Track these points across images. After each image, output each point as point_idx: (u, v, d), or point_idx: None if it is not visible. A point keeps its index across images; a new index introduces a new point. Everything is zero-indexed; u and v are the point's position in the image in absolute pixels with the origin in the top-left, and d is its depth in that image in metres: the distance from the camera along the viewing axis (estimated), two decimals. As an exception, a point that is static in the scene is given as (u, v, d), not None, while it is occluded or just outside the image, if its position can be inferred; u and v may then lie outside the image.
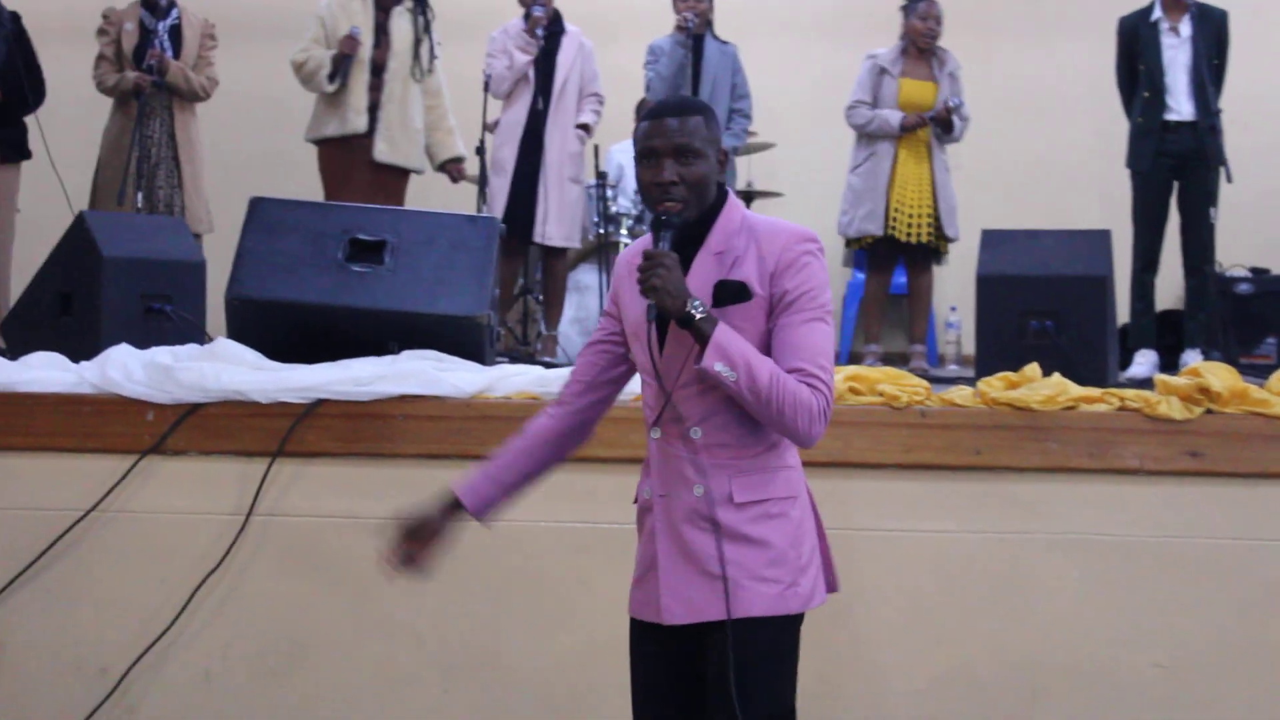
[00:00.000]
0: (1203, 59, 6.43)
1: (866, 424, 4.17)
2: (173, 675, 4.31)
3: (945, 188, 6.97)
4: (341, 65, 6.75)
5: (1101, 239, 5.06)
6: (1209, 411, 4.16)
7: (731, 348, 2.63)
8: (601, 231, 7.66)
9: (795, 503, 2.82)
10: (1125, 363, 6.35)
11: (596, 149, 7.76)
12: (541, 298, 7.44)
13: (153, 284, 5.01)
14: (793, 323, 2.71)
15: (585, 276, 7.97)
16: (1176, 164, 6.51)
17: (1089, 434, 4.15)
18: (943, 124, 6.91)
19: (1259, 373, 4.80)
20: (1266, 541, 4.12)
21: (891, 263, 7.18)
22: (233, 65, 7.59)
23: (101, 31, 7.08)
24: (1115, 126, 6.86)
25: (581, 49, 7.21)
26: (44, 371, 4.51)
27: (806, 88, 8.86)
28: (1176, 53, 6.53)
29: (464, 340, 4.64)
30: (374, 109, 6.85)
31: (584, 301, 7.89)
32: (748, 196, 8.31)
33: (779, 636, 2.80)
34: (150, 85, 6.89)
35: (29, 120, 6.71)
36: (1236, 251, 7.44)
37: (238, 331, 4.69)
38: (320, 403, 4.30)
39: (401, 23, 6.94)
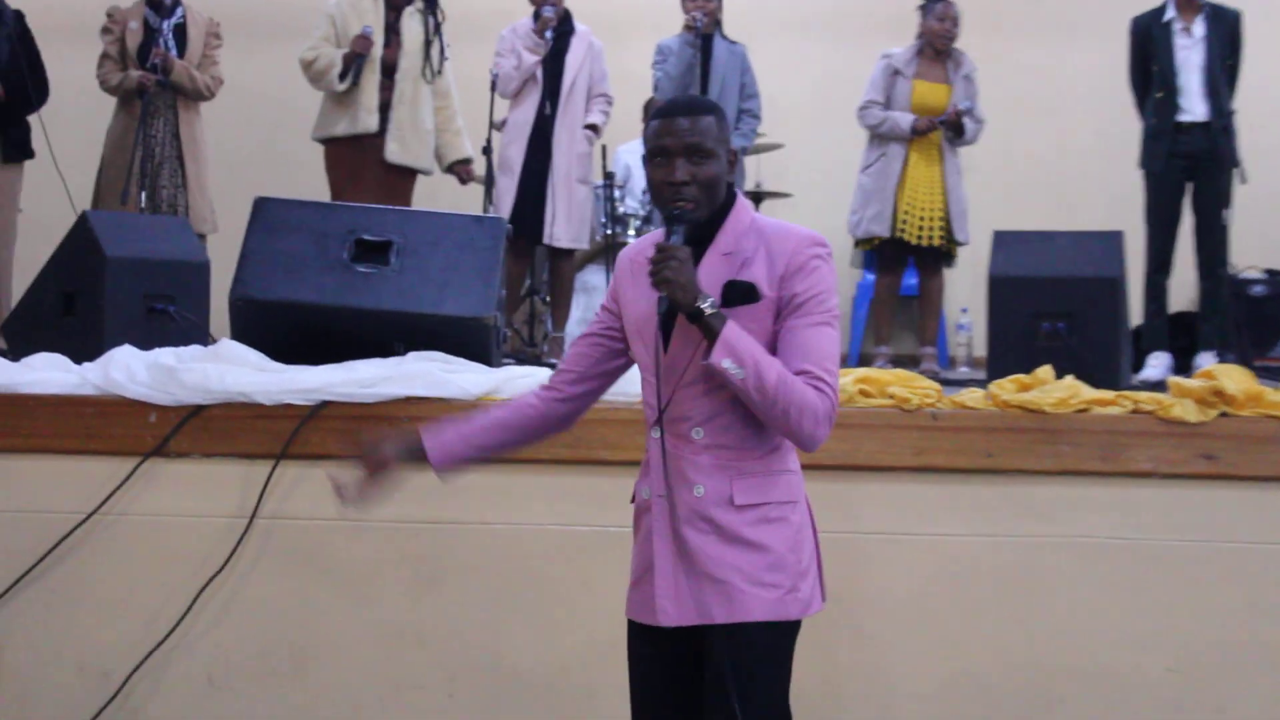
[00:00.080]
0: (1216, 59, 6.40)
1: (877, 426, 4.15)
2: (175, 679, 4.29)
3: (957, 191, 6.94)
4: (353, 64, 6.72)
5: (1114, 240, 5.03)
6: (1223, 414, 4.14)
7: (740, 345, 2.62)
8: (609, 232, 7.63)
9: (795, 507, 2.81)
10: (1138, 365, 6.32)
11: (604, 149, 7.74)
12: (548, 299, 7.42)
13: (156, 284, 4.98)
14: (800, 325, 2.70)
15: (593, 278, 7.94)
16: (1190, 165, 6.48)
17: (1102, 437, 4.13)
18: (954, 127, 6.88)
19: (1274, 375, 4.80)
20: (1281, 545, 4.09)
21: (901, 264, 7.15)
22: (237, 64, 7.56)
23: (105, 30, 7.05)
24: (1127, 126, 6.83)
25: (591, 49, 7.18)
26: (46, 373, 4.49)
27: (815, 87, 8.85)
28: (1189, 53, 6.49)
29: (470, 341, 4.62)
30: (385, 109, 6.83)
31: (591, 303, 7.86)
32: (756, 197, 8.29)
33: (778, 642, 2.79)
34: (154, 84, 6.86)
35: (32, 119, 6.70)
36: (1251, 253, 7.42)
37: (242, 332, 4.67)
38: (325, 404, 4.28)
39: (412, 23, 6.92)
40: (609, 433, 4.09)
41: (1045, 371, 4.29)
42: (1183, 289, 6.96)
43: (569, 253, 7.22)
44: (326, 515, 4.24)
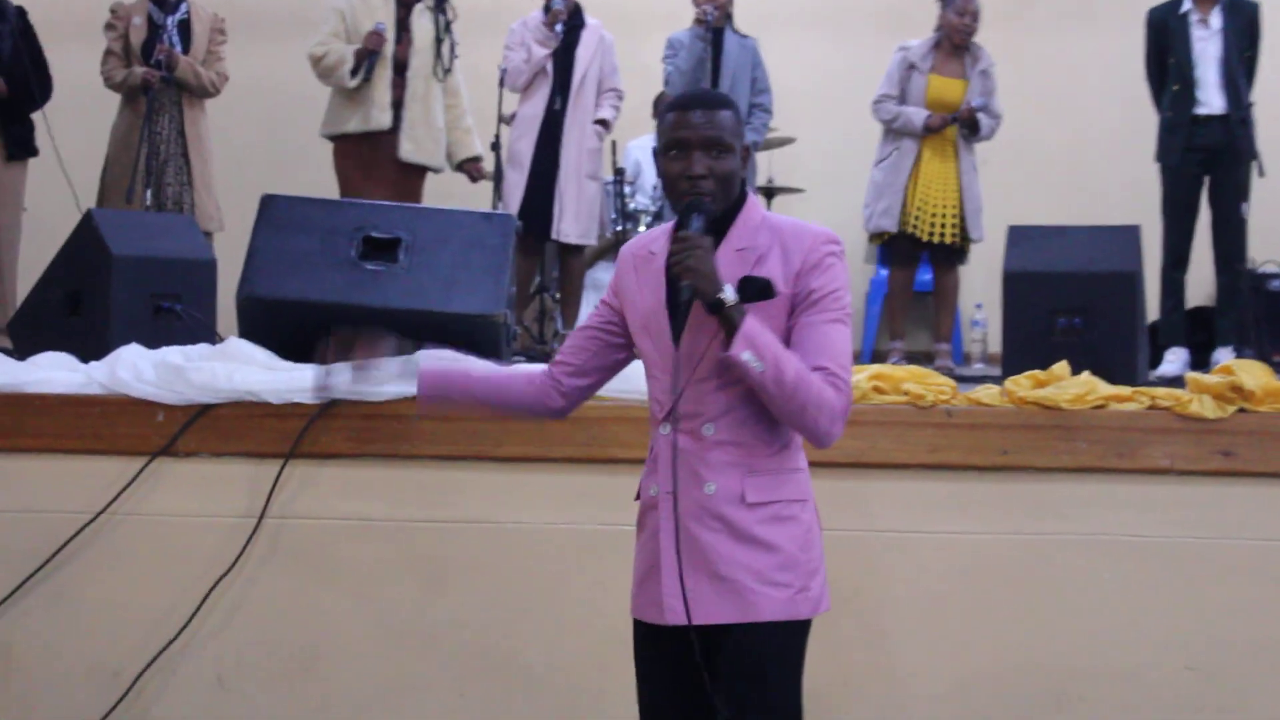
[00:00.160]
0: (1234, 51, 6.35)
1: (891, 424, 4.13)
2: (184, 680, 4.26)
3: (971, 188, 6.91)
4: (365, 61, 6.69)
5: (1131, 234, 5.00)
6: (1242, 410, 4.11)
7: (760, 338, 2.60)
8: (619, 229, 7.59)
9: (805, 506, 2.80)
10: (1155, 361, 6.29)
11: (614, 145, 7.71)
12: (558, 295, 7.39)
13: (162, 283, 4.97)
14: (816, 322, 2.69)
15: (602, 274, 7.90)
16: (1207, 158, 6.44)
17: (1118, 433, 4.10)
18: (969, 124, 6.84)
19: (1292, 370, 4.74)
20: (1301, 543, 4.06)
21: (915, 259, 7.12)
22: (242, 60, 7.53)
23: (109, 26, 7.03)
24: (1144, 120, 6.78)
25: (601, 43, 7.15)
26: (52, 372, 4.47)
27: (828, 81, 8.82)
28: (1207, 45, 6.44)
29: (480, 339, 4.58)
30: (397, 107, 6.80)
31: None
32: (768, 192, 8.26)
33: (789, 641, 2.78)
34: (159, 81, 6.84)
35: (36, 117, 6.71)
36: (1269, 247, 7.37)
37: (249, 331, 4.64)
38: (334, 403, 4.25)
39: (423, 21, 6.89)
40: (621, 431, 4.06)
41: (1061, 368, 4.26)
42: (1200, 284, 6.92)
43: (578, 249, 7.19)
44: (336, 515, 4.27)
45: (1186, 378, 4.28)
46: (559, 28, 6.96)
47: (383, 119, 6.77)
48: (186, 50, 7.00)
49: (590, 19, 7.17)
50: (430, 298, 4.61)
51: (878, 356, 7.60)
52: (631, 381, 3.00)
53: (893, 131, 6.96)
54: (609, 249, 7.84)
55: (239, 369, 4.34)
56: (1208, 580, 4.08)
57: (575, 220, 7.00)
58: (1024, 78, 8.18)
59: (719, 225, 2.74)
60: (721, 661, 2.73)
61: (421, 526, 4.23)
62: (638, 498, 2.89)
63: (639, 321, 2.82)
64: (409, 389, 4.18)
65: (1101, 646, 4.09)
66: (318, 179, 6.96)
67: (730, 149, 2.72)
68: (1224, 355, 6.23)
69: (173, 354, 4.45)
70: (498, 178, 7.08)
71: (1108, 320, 4.79)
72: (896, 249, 7.11)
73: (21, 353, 4.80)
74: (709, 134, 2.70)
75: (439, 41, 6.90)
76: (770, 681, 2.75)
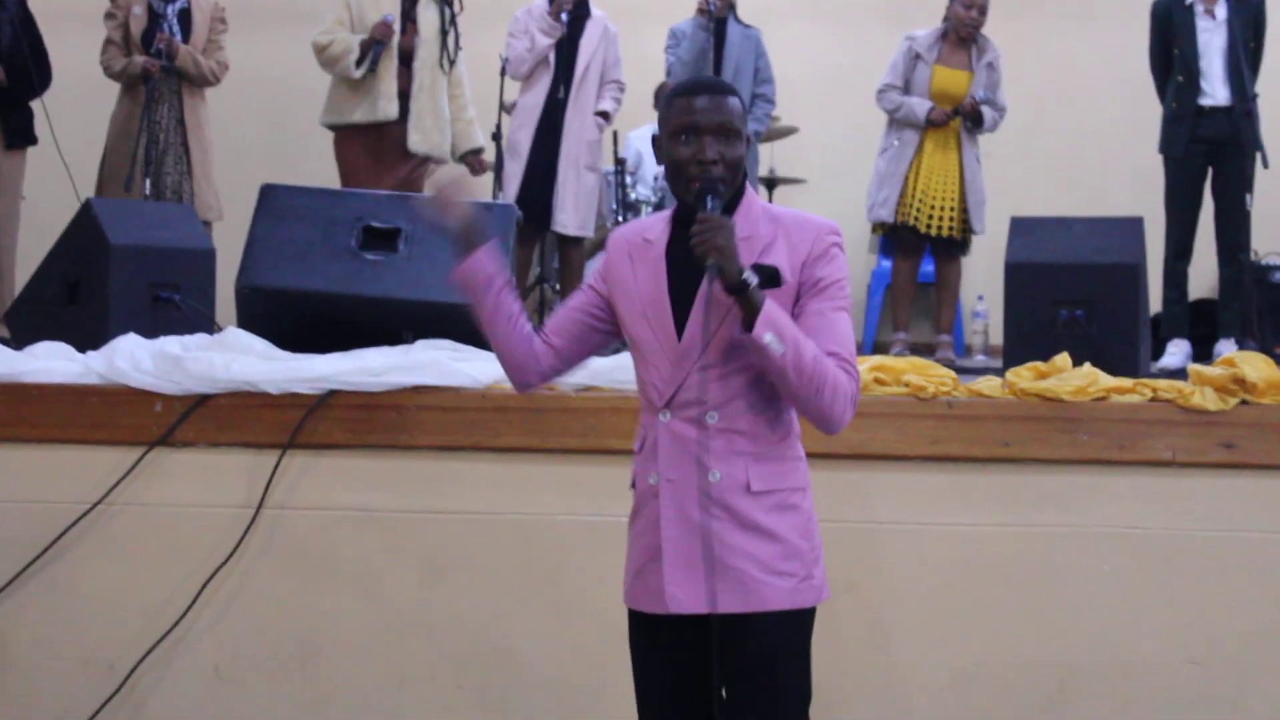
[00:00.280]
0: (1239, 42, 6.33)
1: (892, 415, 4.11)
2: (181, 671, 4.25)
3: (974, 181, 6.89)
4: (371, 51, 6.66)
5: (1134, 226, 4.98)
6: (1244, 402, 4.09)
7: (780, 320, 2.61)
8: (620, 219, 7.58)
9: (805, 494, 2.80)
10: (1158, 353, 6.29)
11: (615, 135, 7.69)
12: (558, 286, 7.37)
13: (161, 272, 4.95)
14: (824, 309, 2.71)
15: (603, 265, 7.88)
16: (1211, 150, 6.43)
17: (1120, 425, 4.08)
18: (972, 116, 6.82)
19: (1295, 362, 4.72)
20: (1303, 535, 4.05)
21: (919, 251, 7.10)
22: (243, 49, 7.53)
23: (109, 15, 7.03)
24: (1149, 111, 6.76)
25: (606, 34, 7.14)
26: (50, 361, 4.46)
27: (830, 71, 8.81)
28: (1211, 36, 6.43)
29: (479, 330, 4.56)
30: (404, 98, 6.78)
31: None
32: (770, 182, 8.24)
33: (796, 630, 2.78)
34: (159, 70, 6.83)
35: (35, 105, 6.70)
36: (1272, 239, 7.37)
37: (248, 321, 4.63)
38: (332, 393, 4.24)
39: (429, 12, 6.88)
40: (620, 421, 4.05)
41: (1063, 359, 4.24)
42: (1203, 275, 6.91)
43: (578, 240, 7.18)
44: (334, 505, 4.26)
45: (1189, 370, 4.26)
46: (564, 17, 6.94)
47: (389, 109, 6.75)
48: (187, 39, 6.99)
49: (595, 10, 7.15)
50: (430, 288, 4.59)
51: (880, 348, 7.59)
52: (629, 372, 2.99)
53: (896, 122, 6.94)
54: (609, 240, 7.82)
55: (237, 359, 4.32)
56: (1209, 573, 4.06)
57: (574, 211, 6.99)
58: (1028, 70, 8.17)
59: (722, 213, 2.73)
60: (728, 652, 2.72)
61: (419, 517, 4.21)
62: (633, 486, 2.87)
63: (636, 308, 2.80)
64: (408, 379, 4.23)
65: (1102, 638, 4.08)
66: (318, 169, 6.95)
67: (739, 135, 2.72)
68: (1226, 347, 6.24)
69: (171, 344, 4.44)
70: (498, 167, 7.07)
71: (1110, 312, 4.76)
72: (900, 240, 7.10)
73: (19, 342, 4.78)
74: (720, 119, 2.70)
75: (444, 33, 6.88)
76: (778, 671, 2.75)
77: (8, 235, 6.62)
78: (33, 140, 6.71)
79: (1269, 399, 4.07)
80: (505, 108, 7.22)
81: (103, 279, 4.77)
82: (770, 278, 2.67)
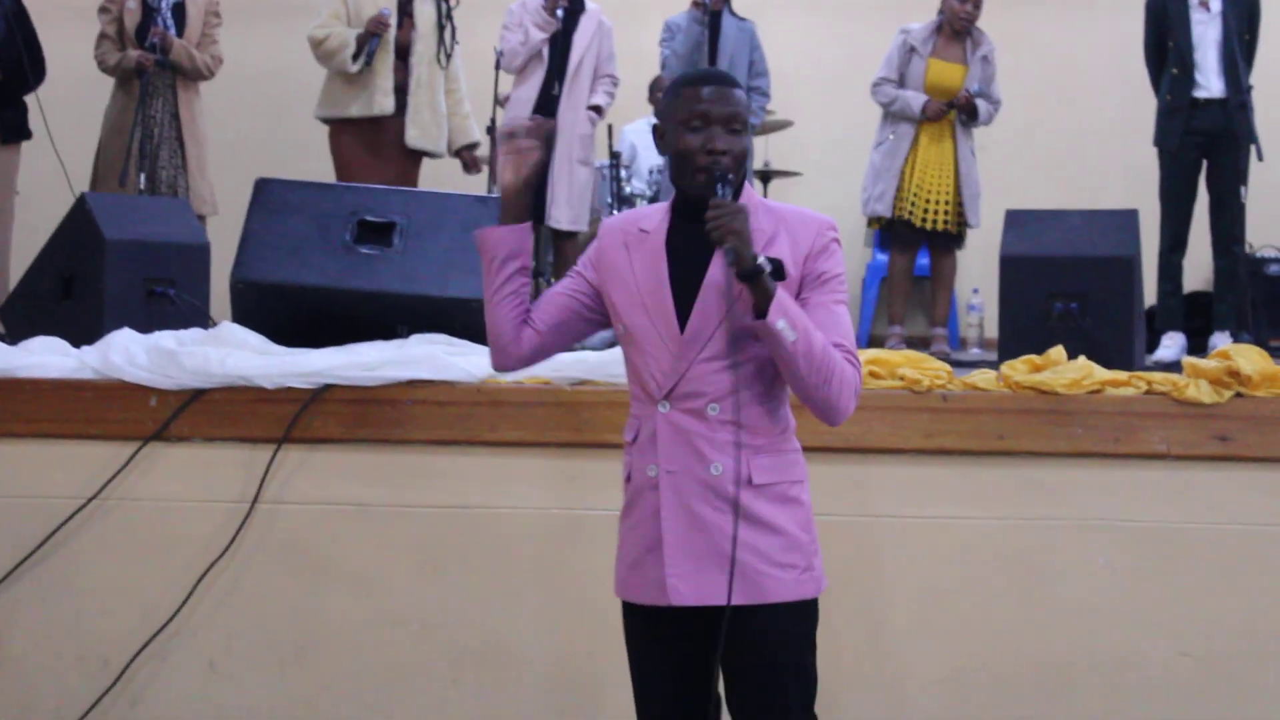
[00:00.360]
0: (1233, 35, 6.32)
1: (887, 408, 4.11)
2: (176, 666, 4.25)
3: (970, 174, 6.89)
4: (367, 45, 6.65)
5: (1129, 219, 4.98)
6: (1238, 395, 4.08)
7: (791, 307, 2.62)
8: (615, 213, 7.57)
9: (804, 487, 2.82)
10: (1152, 345, 6.28)
11: (610, 129, 7.68)
12: (552, 280, 7.37)
13: (156, 267, 4.93)
14: (826, 302, 2.74)
15: (598, 259, 7.88)
16: (1205, 142, 6.42)
17: (1115, 418, 4.08)
18: (967, 110, 6.81)
19: (1290, 355, 4.72)
20: (1299, 528, 4.05)
21: (915, 244, 7.09)
22: (237, 43, 7.51)
23: (103, 9, 7.00)
24: (1142, 105, 6.76)
25: (600, 28, 7.13)
26: (44, 356, 4.45)
27: (825, 64, 8.81)
28: (1206, 29, 6.42)
29: (475, 324, 4.51)
30: (401, 92, 6.77)
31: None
32: (765, 176, 8.23)
33: (800, 621, 2.80)
34: (153, 64, 6.81)
35: (29, 100, 6.67)
36: (1267, 232, 7.38)
37: (243, 315, 4.63)
38: (327, 388, 4.23)
39: (426, 6, 6.86)
40: (614, 415, 4.04)
41: (1058, 352, 4.24)
42: (1198, 268, 6.91)
43: (572, 235, 7.17)
44: (329, 500, 4.26)
45: (1183, 362, 4.25)
46: (559, 12, 6.93)
47: (385, 104, 6.74)
48: (181, 33, 6.97)
49: (590, 4, 7.14)
50: (425, 282, 4.60)
51: (875, 341, 7.59)
52: (622, 366, 2.98)
53: (890, 115, 6.94)
54: (605, 234, 7.82)
55: (232, 353, 4.32)
56: (1203, 565, 4.07)
57: (567, 205, 6.99)
58: (1023, 64, 8.17)
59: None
60: (732, 644, 2.72)
61: (414, 511, 4.20)
62: (628, 479, 2.86)
63: (633, 298, 2.79)
64: (403, 374, 4.22)
65: (1096, 631, 4.08)
66: (313, 163, 6.94)
67: (746, 129, 2.75)
68: (1221, 340, 6.23)
69: (165, 338, 4.43)
70: (493, 161, 7.06)
71: (1105, 305, 4.77)
72: (896, 234, 7.09)
73: (14, 337, 4.78)
74: (729, 111, 2.72)
75: (441, 27, 6.87)
76: (782, 663, 2.77)
77: (2, 230, 6.60)
78: (27, 135, 6.69)
79: (1263, 391, 4.07)
80: (500, 101, 7.21)
81: (97, 274, 4.76)
82: (776, 269, 2.67)
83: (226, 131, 7.72)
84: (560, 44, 6.99)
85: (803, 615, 2.79)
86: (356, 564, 4.23)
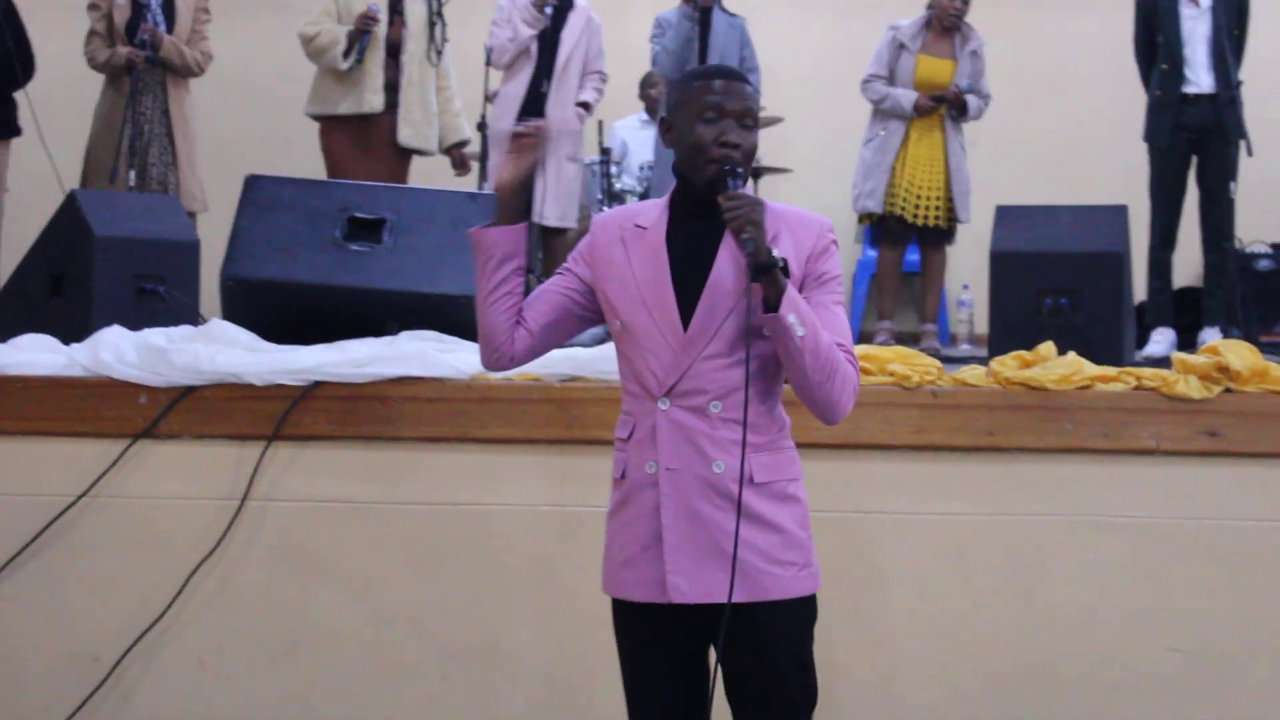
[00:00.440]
0: (1223, 30, 6.32)
1: (877, 404, 4.10)
2: (166, 663, 4.24)
3: (960, 170, 6.89)
4: (357, 42, 6.64)
5: (1118, 214, 4.98)
6: (1228, 390, 4.09)
7: (800, 303, 2.63)
8: (605, 209, 7.57)
9: (800, 485, 2.82)
10: (1142, 341, 6.28)
11: (600, 125, 7.68)
12: (542, 278, 7.36)
13: (146, 264, 4.92)
14: (826, 302, 2.75)
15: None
16: (1195, 138, 6.42)
17: (1105, 414, 4.08)
18: (957, 105, 6.81)
19: (1279, 351, 4.73)
20: (1287, 523, 4.06)
21: (905, 239, 7.10)
22: (227, 40, 7.49)
23: (93, 6, 6.98)
24: (1132, 101, 6.76)
25: (589, 25, 7.12)
26: (34, 354, 4.44)
27: (816, 61, 8.81)
28: (1196, 24, 6.42)
29: (464, 320, 4.54)
30: (391, 89, 6.76)
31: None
32: (755, 173, 8.22)
33: (800, 618, 2.80)
34: (143, 61, 6.79)
35: (18, 96, 6.64)
36: (1257, 227, 7.38)
37: (232, 312, 4.62)
38: (317, 385, 4.23)
39: (416, 4, 6.86)
40: (605, 412, 4.03)
41: (1047, 348, 4.24)
42: (1188, 264, 6.91)
43: (561, 231, 7.17)
44: (319, 497, 4.25)
45: (1173, 358, 4.26)
46: (548, 10, 6.93)
47: (375, 102, 6.74)
48: (171, 30, 6.95)
49: (579, 0, 7.13)
50: (415, 278, 4.59)
51: (865, 337, 7.58)
52: (613, 363, 2.97)
53: (881, 112, 6.94)
54: (595, 230, 7.81)
55: (222, 351, 4.31)
56: (1193, 561, 4.07)
57: (555, 203, 6.99)
58: (1013, 59, 8.17)
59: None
60: (732, 642, 2.73)
61: (404, 508, 4.20)
62: (622, 476, 2.84)
63: (633, 295, 2.77)
64: (393, 370, 4.22)
65: (1087, 626, 4.08)
66: (303, 159, 6.93)
67: (757, 123, 2.75)
68: (1211, 335, 6.22)
69: (155, 336, 4.43)
70: (483, 158, 7.06)
71: (1094, 301, 4.76)
72: (887, 230, 7.09)
73: (3, 334, 4.76)
74: (743, 105, 2.72)
75: (431, 25, 6.86)
76: (784, 659, 2.78)
77: (-9, 226, 6.60)
78: (16, 131, 6.67)
79: (1253, 387, 4.08)
80: (489, 97, 7.20)
81: (87, 271, 4.76)
82: (783, 268, 2.67)
83: (217, 128, 7.71)
84: (549, 40, 6.99)
85: (803, 611, 2.80)
86: (347, 561, 4.22)
